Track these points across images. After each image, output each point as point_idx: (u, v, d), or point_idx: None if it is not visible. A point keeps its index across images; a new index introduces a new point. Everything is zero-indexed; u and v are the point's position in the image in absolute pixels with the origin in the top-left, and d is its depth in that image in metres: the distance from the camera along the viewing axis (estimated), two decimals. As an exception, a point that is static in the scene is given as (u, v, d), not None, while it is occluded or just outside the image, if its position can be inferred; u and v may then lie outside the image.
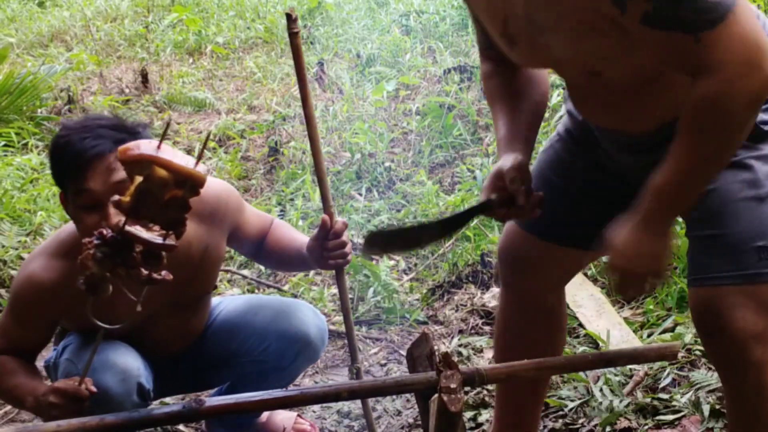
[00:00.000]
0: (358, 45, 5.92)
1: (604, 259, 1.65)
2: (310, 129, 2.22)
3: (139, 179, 1.53)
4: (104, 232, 1.60)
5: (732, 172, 1.67)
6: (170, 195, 1.53)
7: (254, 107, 5.43)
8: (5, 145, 4.77)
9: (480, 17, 1.84)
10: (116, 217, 1.89)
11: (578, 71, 1.77)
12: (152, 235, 1.60)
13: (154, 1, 7.11)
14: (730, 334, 1.65)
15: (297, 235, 2.38)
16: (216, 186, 2.21)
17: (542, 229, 1.99)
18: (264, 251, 2.36)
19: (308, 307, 2.39)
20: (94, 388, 1.89)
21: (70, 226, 2.13)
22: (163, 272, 1.66)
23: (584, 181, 1.97)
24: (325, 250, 2.20)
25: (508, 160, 1.82)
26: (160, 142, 1.50)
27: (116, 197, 1.57)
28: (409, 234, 1.93)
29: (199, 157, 1.53)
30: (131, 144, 1.51)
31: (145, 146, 1.50)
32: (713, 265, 1.68)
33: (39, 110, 5.32)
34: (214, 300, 2.43)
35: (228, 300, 2.46)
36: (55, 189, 4.18)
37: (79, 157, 1.93)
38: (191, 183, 1.53)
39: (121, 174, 1.90)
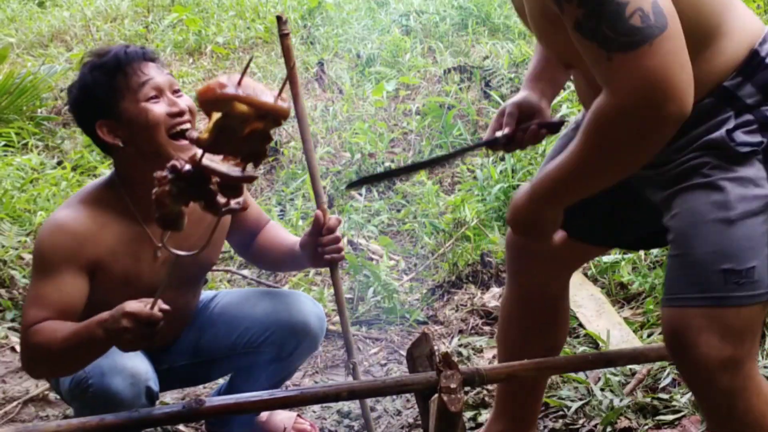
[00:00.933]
0: (358, 45, 5.92)
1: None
2: (302, 126, 2.32)
3: (216, 115, 1.45)
4: (178, 165, 1.52)
5: (704, 193, 1.64)
6: (251, 128, 1.46)
7: (254, 107, 5.42)
8: (5, 145, 4.77)
9: None
10: (180, 101, 2.07)
11: (558, 60, 1.81)
12: (230, 166, 1.51)
13: (154, 1, 7.10)
14: (695, 360, 1.62)
15: (288, 235, 2.42)
16: None
17: None
18: (255, 247, 2.39)
19: (306, 296, 2.42)
20: (166, 306, 1.80)
21: (94, 182, 2.18)
22: (240, 199, 1.58)
23: None
24: (319, 246, 2.22)
25: (516, 98, 1.96)
26: (241, 77, 1.43)
27: (194, 133, 1.50)
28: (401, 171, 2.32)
29: (281, 90, 1.49)
30: (212, 83, 1.43)
31: (226, 83, 1.42)
32: (680, 286, 1.65)
33: (39, 110, 5.32)
34: (209, 293, 2.45)
35: (224, 293, 2.47)
36: (55, 189, 4.19)
37: (135, 57, 2.07)
38: (273, 116, 1.47)
39: (167, 71, 2.12)
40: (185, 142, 2.06)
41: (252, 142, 1.48)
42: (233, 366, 2.40)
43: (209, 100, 1.42)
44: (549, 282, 2.09)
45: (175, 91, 2.10)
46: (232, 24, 6.64)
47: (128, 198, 2.11)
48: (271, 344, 2.30)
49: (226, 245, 2.56)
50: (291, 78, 2.27)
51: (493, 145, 1.97)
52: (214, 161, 1.50)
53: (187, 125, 2.08)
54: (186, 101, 2.11)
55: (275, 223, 2.47)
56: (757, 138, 1.64)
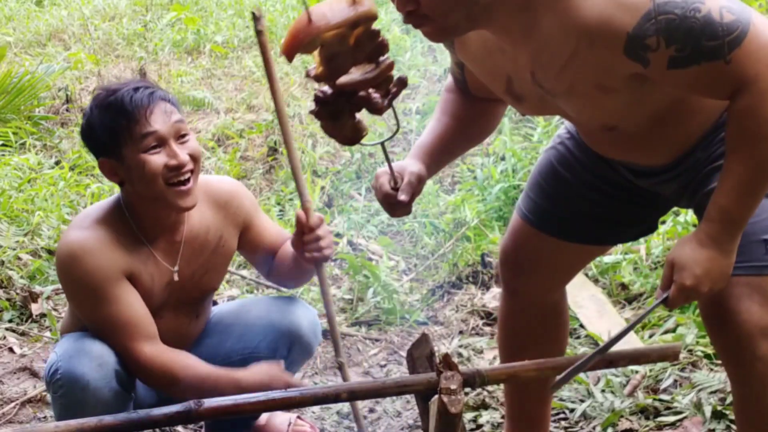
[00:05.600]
0: (357, 44, 5.89)
1: (668, 272, 1.66)
2: (283, 125, 2.38)
3: (315, 53, 1.54)
4: (320, 94, 1.61)
5: None
6: (354, 38, 1.52)
7: (253, 106, 5.41)
8: (3, 145, 4.76)
9: (476, 72, 1.87)
10: (181, 153, 2.05)
11: (593, 128, 1.79)
12: (363, 71, 1.59)
13: (152, 0, 7.09)
14: (736, 327, 1.66)
15: None
16: (231, 181, 2.37)
17: (553, 225, 2.00)
18: (274, 266, 2.38)
19: (300, 302, 2.43)
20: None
21: (99, 205, 2.19)
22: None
23: (593, 177, 1.97)
24: (303, 245, 2.22)
25: (414, 167, 1.90)
26: (307, 13, 1.49)
27: (313, 71, 1.58)
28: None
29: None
30: (288, 39, 1.49)
31: (300, 29, 1.49)
32: None
33: (37, 110, 5.30)
34: None
35: (220, 305, 2.50)
36: (53, 189, 4.17)
37: (140, 104, 2.03)
38: (365, 19, 1.52)
39: (176, 115, 2.07)
40: (185, 188, 2.07)
41: (364, 44, 1.56)
42: None
43: (297, 50, 1.50)
44: (551, 291, 2.08)
45: (182, 136, 2.09)
46: (231, 23, 6.62)
47: (133, 223, 2.14)
48: (263, 348, 2.31)
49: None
50: (269, 76, 2.27)
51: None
52: (348, 76, 1.58)
53: (187, 175, 2.07)
54: (190, 148, 2.09)
55: None
56: None
